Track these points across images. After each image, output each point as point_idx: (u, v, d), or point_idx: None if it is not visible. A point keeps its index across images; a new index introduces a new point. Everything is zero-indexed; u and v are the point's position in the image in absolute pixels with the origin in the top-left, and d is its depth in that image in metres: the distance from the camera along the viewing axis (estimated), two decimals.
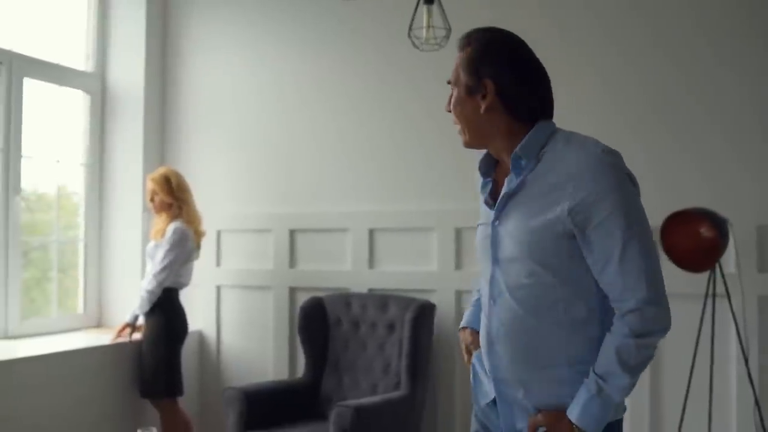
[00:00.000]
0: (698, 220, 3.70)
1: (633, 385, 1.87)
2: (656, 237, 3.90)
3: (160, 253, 4.51)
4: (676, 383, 4.00)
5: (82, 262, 5.16)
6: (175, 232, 4.51)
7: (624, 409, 1.98)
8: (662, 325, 1.87)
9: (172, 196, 4.60)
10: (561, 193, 1.85)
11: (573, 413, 1.87)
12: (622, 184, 1.85)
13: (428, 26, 3.47)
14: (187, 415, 4.65)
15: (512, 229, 1.94)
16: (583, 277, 1.90)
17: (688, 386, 3.79)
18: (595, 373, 1.85)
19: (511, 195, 1.95)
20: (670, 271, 4.00)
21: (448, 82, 2.04)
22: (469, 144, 2.04)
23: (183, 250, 4.53)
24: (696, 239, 3.71)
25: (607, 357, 1.85)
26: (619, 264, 1.82)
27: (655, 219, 3.98)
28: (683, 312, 4.06)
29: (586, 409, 1.85)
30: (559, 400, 1.92)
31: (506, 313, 1.97)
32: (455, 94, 2.02)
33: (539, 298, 1.92)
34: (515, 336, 1.96)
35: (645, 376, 4.05)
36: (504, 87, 1.93)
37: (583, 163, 1.84)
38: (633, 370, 1.85)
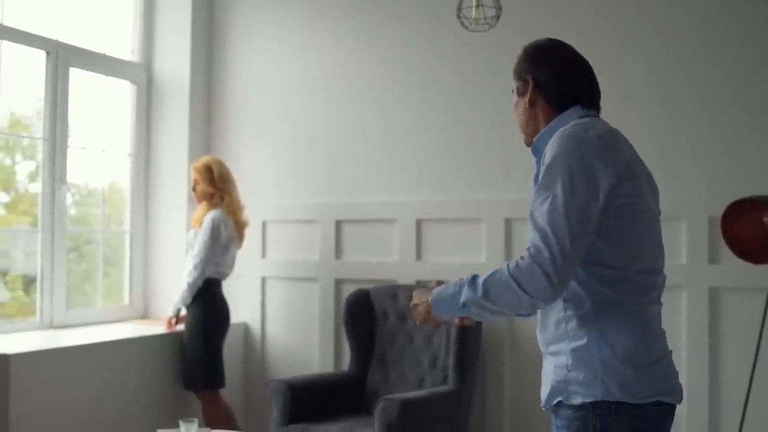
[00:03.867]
0: (760, 209, 3.54)
1: (478, 305, 1.95)
2: (717, 227, 3.75)
3: (197, 244, 4.47)
4: (737, 381, 3.86)
5: (128, 253, 5.16)
6: (210, 221, 4.47)
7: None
8: (534, 284, 1.88)
9: (214, 186, 4.55)
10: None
11: (437, 289, 2.06)
12: (570, 146, 1.95)
13: (478, 5, 3.36)
14: (229, 407, 4.62)
15: None
16: None
17: (750, 384, 3.64)
18: (477, 274, 1.98)
19: (536, 181, 2.13)
20: (731, 262, 3.87)
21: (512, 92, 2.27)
22: (526, 141, 2.24)
23: (219, 240, 4.48)
24: (758, 229, 3.55)
25: (493, 271, 1.95)
26: (531, 215, 1.94)
27: (714, 208, 3.83)
28: (745, 306, 3.93)
29: (444, 289, 2.04)
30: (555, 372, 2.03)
31: None
32: (514, 101, 2.25)
33: None
34: (539, 320, 2.12)
35: (703, 372, 3.92)
36: (539, 80, 2.15)
37: (551, 143, 2.02)
38: (486, 293, 1.93)
